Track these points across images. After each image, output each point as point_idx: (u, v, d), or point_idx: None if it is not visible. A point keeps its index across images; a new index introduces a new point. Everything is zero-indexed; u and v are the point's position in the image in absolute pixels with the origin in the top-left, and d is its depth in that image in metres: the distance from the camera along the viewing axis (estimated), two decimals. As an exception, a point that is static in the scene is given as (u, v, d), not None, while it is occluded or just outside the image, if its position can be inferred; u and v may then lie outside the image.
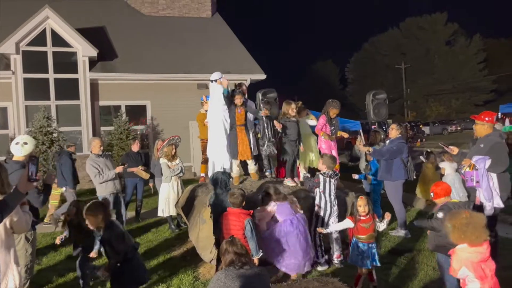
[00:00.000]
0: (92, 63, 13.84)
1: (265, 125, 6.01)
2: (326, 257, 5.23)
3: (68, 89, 13.42)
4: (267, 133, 5.98)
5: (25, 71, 12.95)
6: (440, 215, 3.92)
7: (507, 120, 17.16)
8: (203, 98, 7.36)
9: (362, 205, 4.31)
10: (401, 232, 6.54)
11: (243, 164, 6.29)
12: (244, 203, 4.47)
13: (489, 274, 3.14)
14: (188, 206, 5.86)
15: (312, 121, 6.93)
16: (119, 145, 12.72)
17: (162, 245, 6.58)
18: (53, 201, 8.37)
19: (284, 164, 6.26)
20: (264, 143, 6.00)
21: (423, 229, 5.86)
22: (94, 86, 13.92)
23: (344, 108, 31.57)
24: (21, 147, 4.30)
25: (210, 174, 6.00)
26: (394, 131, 6.72)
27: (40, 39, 13.15)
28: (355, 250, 4.35)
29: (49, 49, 13.23)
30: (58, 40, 13.32)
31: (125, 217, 7.15)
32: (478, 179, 4.72)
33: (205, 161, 6.82)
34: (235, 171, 6.00)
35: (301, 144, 6.37)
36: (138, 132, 14.37)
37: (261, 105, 6.94)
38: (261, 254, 4.33)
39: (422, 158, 9.29)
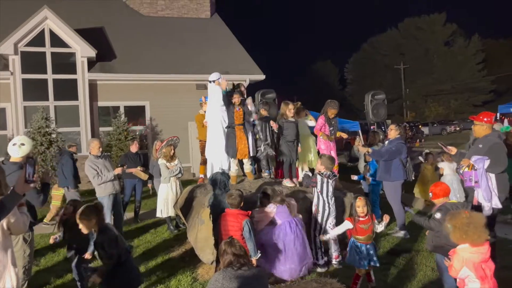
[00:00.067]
0: (91, 64, 13.82)
1: (260, 127, 6.02)
2: (325, 258, 5.22)
3: (67, 90, 13.39)
4: (261, 135, 6.00)
5: (24, 72, 12.92)
6: (438, 215, 3.92)
7: (505, 121, 17.17)
8: (202, 99, 7.35)
9: (360, 205, 4.30)
10: (400, 233, 6.54)
11: (241, 164, 6.29)
12: (242, 204, 4.46)
13: (489, 274, 3.15)
14: (186, 207, 5.85)
15: (311, 122, 6.93)
16: (118, 146, 12.70)
17: (160, 246, 6.56)
18: (55, 201, 8.36)
19: (282, 165, 6.25)
20: (260, 145, 6.02)
21: (422, 229, 5.87)
22: (92, 86, 13.90)
23: (343, 109, 31.64)
24: (18, 148, 4.28)
25: (208, 175, 6.00)
26: (393, 132, 6.72)
27: (38, 40, 13.12)
28: (353, 251, 4.35)
29: (48, 49, 13.21)
30: (56, 40, 13.29)
31: (124, 217, 7.13)
32: (477, 179, 4.73)
33: (204, 162, 6.82)
34: (234, 170, 5.99)
35: (300, 144, 6.37)
36: (137, 133, 14.36)
37: (260, 105, 6.94)
38: (259, 254, 4.32)
39: (421, 158, 9.30)
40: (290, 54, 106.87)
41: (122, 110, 13.95)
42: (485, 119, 5.00)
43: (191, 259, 5.63)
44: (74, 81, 13.49)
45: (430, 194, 4.21)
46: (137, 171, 7.99)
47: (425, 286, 4.68)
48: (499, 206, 4.80)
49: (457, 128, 37.87)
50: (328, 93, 37.43)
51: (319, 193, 5.16)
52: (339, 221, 5.28)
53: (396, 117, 46.98)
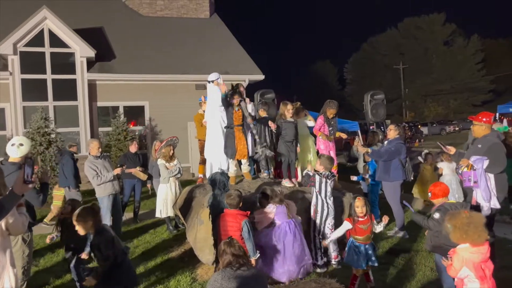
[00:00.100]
0: (90, 64, 13.81)
1: (256, 130, 6.03)
2: (325, 259, 5.22)
3: (66, 90, 13.38)
4: (256, 138, 6.01)
5: (23, 72, 12.90)
6: (436, 215, 3.93)
7: (505, 121, 17.18)
8: (201, 98, 7.35)
9: (359, 206, 4.30)
10: (399, 233, 6.54)
11: (240, 164, 6.29)
12: (241, 204, 4.46)
13: (488, 274, 3.16)
14: (186, 207, 5.85)
15: (310, 122, 6.93)
16: (117, 146, 12.69)
17: (160, 246, 6.56)
18: (56, 201, 8.35)
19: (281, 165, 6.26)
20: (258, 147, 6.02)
21: (421, 229, 5.87)
22: (92, 86, 13.88)
23: (342, 109, 31.62)
24: (17, 149, 4.28)
25: (208, 175, 6.00)
26: (392, 132, 6.72)
27: (37, 40, 13.10)
28: (352, 251, 4.35)
29: (47, 49, 13.19)
30: (56, 40, 13.27)
31: (123, 218, 7.13)
32: (476, 180, 4.73)
33: (203, 161, 6.81)
34: (232, 171, 5.99)
35: (299, 145, 6.37)
36: (137, 133, 14.35)
37: (259, 105, 6.94)
38: (258, 254, 4.32)
39: (420, 158, 9.30)
40: (289, 54, 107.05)
41: (121, 110, 13.95)
42: (484, 119, 5.00)
43: (190, 260, 5.63)
44: (73, 81, 13.48)
45: (429, 194, 4.21)
46: (136, 171, 7.99)
47: (424, 286, 4.69)
48: (498, 206, 4.80)
49: (456, 128, 37.88)
50: (327, 93, 37.47)
51: (318, 193, 5.16)
52: (337, 221, 5.28)
53: (395, 117, 47.00)
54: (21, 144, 4.31)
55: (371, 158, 7.30)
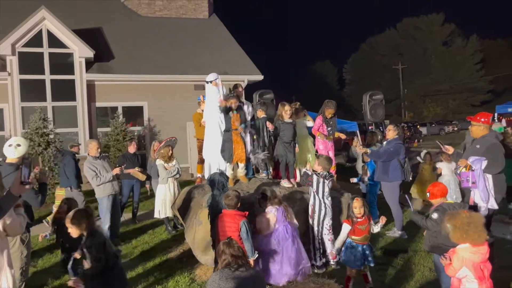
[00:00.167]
0: (89, 64, 13.80)
1: (252, 134, 6.03)
2: (323, 260, 5.21)
3: (65, 90, 13.37)
4: (254, 144, 6.00)
5: (21, 72, 12.89)
6: (435, 215, 3.93)
7: (503, 121, 17.22)
8: (200, 97, 7.34)
9: (357, 206, 4.30)
10: (398, 233, 6.54)
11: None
12: (239, 205, 4.45)
13: (486, 275, 3.16)
14: (184, 208, 5.85)
15: (309, 122, 6.92)
16: (116, 147, 12.69)
17: (158, 247, 6.55)
18: (58, 201, 8.33)
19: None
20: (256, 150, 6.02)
21: (419, 230, 5.87)
22: (90, 87, 13.87)
23: (341, 109, 31.65)
24: (14, 149, 4.27)
25: (206, 175, 5.99)
26: (391, 132, 6.72)
27: (36, 40, 13.09)
28: (349, 251, 4.34)
29: (46, 50, 13.18)
30: (54, 41, 13.26)
31: (122, 218, 7.12)
32: (474, 180, 4.73)
33: (202, 161, 6.79)
34: (229, 174, 5.97)
35: (297, 145, 6.36)
36: (135, 133, 14.34)
37: (257, 106, 6.92)
38: (257, 255, 4.31)
39: (419, 158, 9.30)
40: (288, 55, 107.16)
41: (120, 110, 13.93)
42: (482, 120, 5.00)
43: (189, 260, 5.63)
44: (72, 81, 13.47)
45: (428, 194, 4.21)
46: (135, 171, 7.98)
47: (422, 286, 4.69)
48: (495, 207, 4.80)
49: (455, 128, 37.92)
50: (326, 94, 37.51)
51: (315, 193, 5.16)
52: (335, 221, 5.28)
53: (394, 117, 47.06)
54: (19, 145, 4.30)
55: (370, 158, 7.29)
